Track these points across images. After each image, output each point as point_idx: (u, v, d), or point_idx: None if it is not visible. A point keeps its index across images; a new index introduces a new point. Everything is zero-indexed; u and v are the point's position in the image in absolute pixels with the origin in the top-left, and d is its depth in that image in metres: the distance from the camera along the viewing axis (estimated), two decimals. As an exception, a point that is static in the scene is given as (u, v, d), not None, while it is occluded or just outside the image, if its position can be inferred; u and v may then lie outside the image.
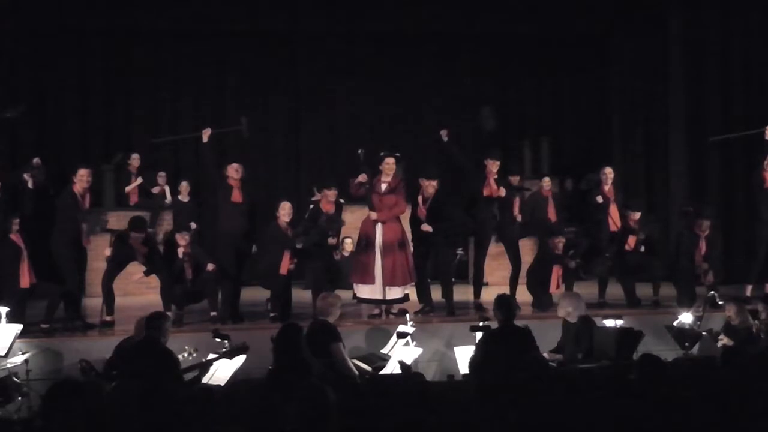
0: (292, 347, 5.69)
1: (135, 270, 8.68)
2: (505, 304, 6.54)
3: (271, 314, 8.68)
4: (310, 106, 13.67)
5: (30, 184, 8.57)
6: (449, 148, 9.12)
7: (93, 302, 9.45)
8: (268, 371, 5.94)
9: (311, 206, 9.95)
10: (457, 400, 4.82)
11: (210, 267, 8.57)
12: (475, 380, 6.39)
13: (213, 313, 8.67)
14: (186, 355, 6.87)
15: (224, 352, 6.47)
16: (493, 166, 9.08)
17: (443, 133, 9.05)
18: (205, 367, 6.40)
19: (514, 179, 9.35)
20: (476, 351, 6.49)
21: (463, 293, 9.72)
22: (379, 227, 8.79)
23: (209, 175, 9.12)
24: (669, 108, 12.20)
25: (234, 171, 8.86)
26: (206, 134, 8.86)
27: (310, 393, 3.90)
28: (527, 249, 10.59)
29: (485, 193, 9.06)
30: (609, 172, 9.80)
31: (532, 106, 14.09)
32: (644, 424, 4.12)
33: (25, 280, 8.14)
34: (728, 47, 11.81)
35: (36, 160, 8.72)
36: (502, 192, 9.01)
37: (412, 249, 8.95)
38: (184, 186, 11.93)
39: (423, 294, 9.07)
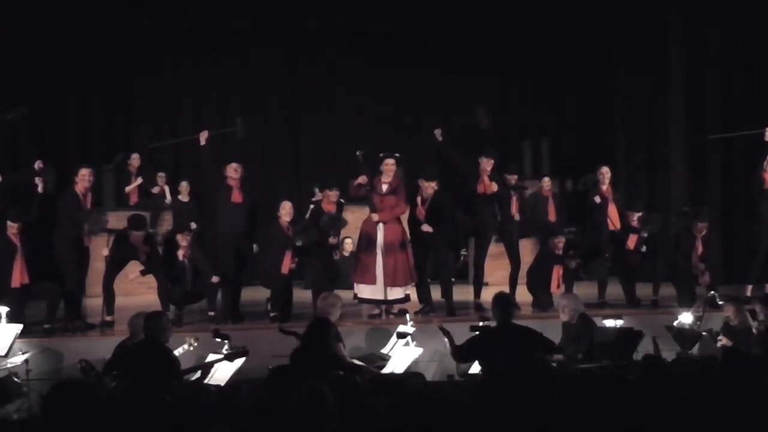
0: (321, 340, 5.93)
1: (134, 270, 8.69)
2: (501, 302, 6.50)
3: (271, 314, 8.69)
4: (310, 106, 13.68)
5: (39, 189, 8.57)
6: (444, 147, 9.14)
7: (93, 302, 9.46)
8: (269, 371, 5.98)
9: (312, 206, 9.96)
10: (457, 400, 4.83)
11: (214, 279, 8.58)
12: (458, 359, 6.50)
13: (211, 313, 8.70)
14: (187, 346, 6.88)
15: (225, 355, 6.48)
16: (487, 164, 9.09)
17: (437, 132, 9.06)
18: (206, 369, 6.41)
19: (512, 178, 9.35)
20: (464, 343, 6.46)
21: (463, 293, 9.72)
22: (380, 228, 8.79)
23: (208, 177, 9.12)
24: (669, 108, 12.20)
25: (233, 171, 8.88)
26: (203, 137, 8.88)
27: (309, 393, 3.90)
28: (527, 249, 10.59)
29: (479, 190, 9.07)
30: (605, 172, 9.79)
31: (533, 106, 14.09)
32: (644, 424, 4.12)
33: (16, 280, 8.12)
34: (728, 47, 11.81)
35: (38, 163, 8.72)
36: (494, 187, 9.01)
37: (411, 249, 8.95)
38: (184, 186, 11.93)
39: (423, 294, 9.07)
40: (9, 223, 8.15)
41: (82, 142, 12.77)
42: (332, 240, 9.28)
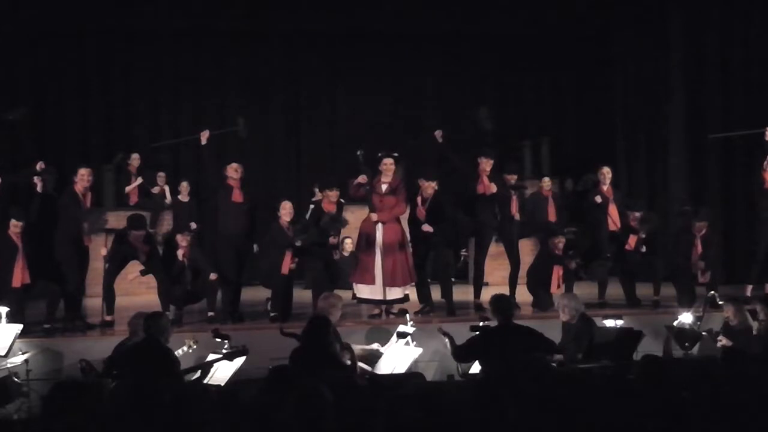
0: (321, 338, 5.94)
1: (134, 270, 8.69)
2: (501, 302, 6.51)
3: (271, 314, 8.69)
4: (310, 106, 13.69)
5: (39, 188, 8.59)
6: (443, 149, 9.15)
7: (93, 302, 9.46)
8: (269, 371, 5.97)
9: (312, 206, 9.96)
10: (457, 400, 4.82)
11: (213, 276, 8.59)
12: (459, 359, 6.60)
13: (210, 314, 8.70)
14: (186, 348, 6.90)
15: (224, 354, 6.48)
16: (486, 165, 9.10)
17: (437, 134, 9.08)
18: (206, 368, 6.42)
19: (512, 178, 9.36)
20: (464, 343, 6.47)
21: (463, 293, 9.72)
22: (379, 228, 8.80)
23: (209, 176, 9.14)
24: (669, 108, 12.20)
25: (234, 171, 8.89)
26: (204, 136, 8.89)
27: (308, 392, 3.90)
28: (527, 249, 10.59)
29: (479, 191, 9.08)
30: (606, 172, 9.84)
31: (533, 106, 14.10)
32: (644, 425, 4.11)
33: (17, 280, 8.13)
34: (729, 47, 11.80)
35: (40, 164, 8.74)
36: (494, 188, 9.02)
37: (411, 249, 8.95)
38: (184, 186, 11.94)
39: (423, 294, 9.08)
40: (13, 221, 8.15)
41: (82, 142, 12.78)
42: (332, 240, 9.28)
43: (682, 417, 4.06)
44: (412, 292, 9.01)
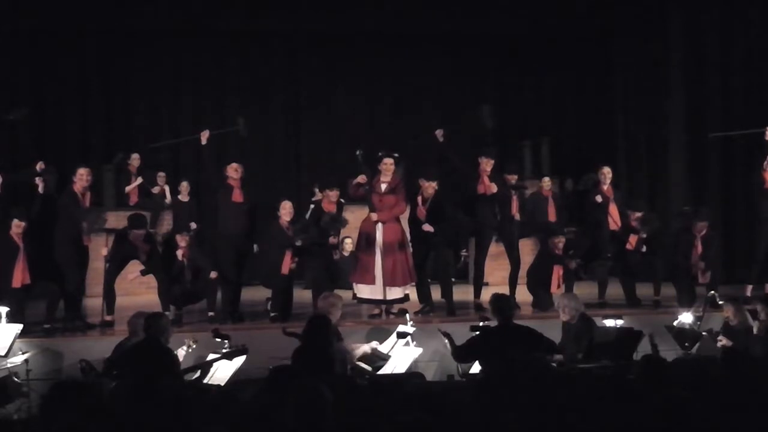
0: (321, 337, 5.96)
1: (134, 270, 8.69)
2: (500, 302, 6.51)
3: (271, 314, 8.69)
4: (310, 106, 13.69)
5: (40, 189, 8.60)
6: (445, 148, 9.15)
7: (93, 302, 9.45)
8: (270, 370, 5.97)
9: (312, 206, 9.97)
10: (457, 400, 4.82)
11: (213, 275, 8.59)
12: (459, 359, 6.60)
13: (210, 314, 8.70)
14: (186, 348, 6.90)
15: (224, 353, 6.49)
16: (487, 165, 9.10)
17: (438, 133, 9.08)
18: (205, 368, 6.42)
19: (512, 178, 9.36)
20: (464, 343, 6.47)
21: (463, 293, 9.72)
22: (379, 227, 8.80)
23: (209, 176, 9.15)
24: (669, 108, 12.20)
25: (234, 171, 8.90)
26: (204, 136, 8.91)
27: (307, 392, 3.90)
28: (527, 249, 10.59)
29: (480, 191, 9.08)
30: (607, 172, 9.85)
31: (533, 106, 14.09)
32: (644, 425, 4.12)
33: (17, 280, 8.13)
34: (729, 47, 11.81)
35: (40, 164, 8.75)
36: (494, 188, 9.02)
37: (411, 249, 8.96)
38: (184, 186, 11.94)
39: (423, 294, 9.08)
40: (15, 221, 8.15)
41: (82, 142, 12.78)
42: (332, 240, 9.28)
43: (682, 417, 4.06)
44: (412, 292, 9.02)
